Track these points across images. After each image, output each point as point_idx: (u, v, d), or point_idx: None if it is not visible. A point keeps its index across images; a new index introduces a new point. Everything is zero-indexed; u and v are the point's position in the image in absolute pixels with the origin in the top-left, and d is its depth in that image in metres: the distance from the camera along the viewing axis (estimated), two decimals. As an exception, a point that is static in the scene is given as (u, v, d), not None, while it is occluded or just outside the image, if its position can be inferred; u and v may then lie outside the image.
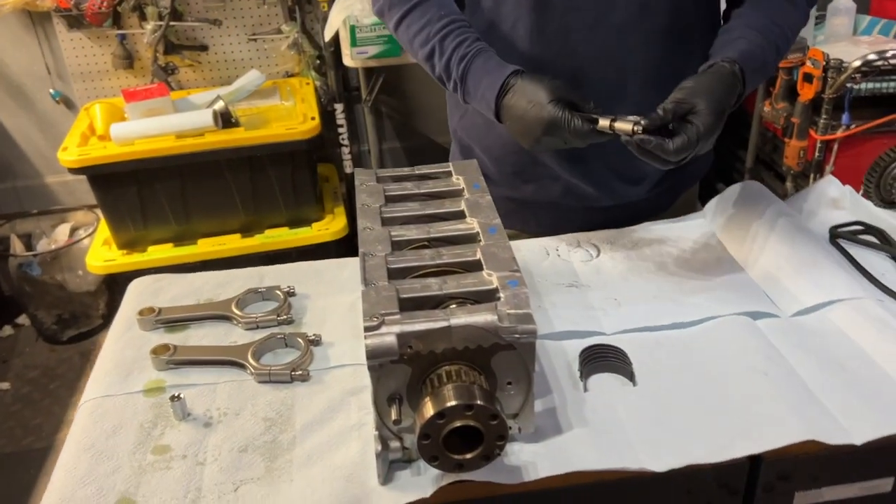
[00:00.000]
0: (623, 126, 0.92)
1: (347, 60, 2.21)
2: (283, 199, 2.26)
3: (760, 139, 2.46)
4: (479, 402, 0.68)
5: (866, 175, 1.17)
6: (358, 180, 0.97)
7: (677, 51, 1.07)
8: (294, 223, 2.30)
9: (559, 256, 1.12)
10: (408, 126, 2.71)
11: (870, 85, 2.04)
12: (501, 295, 0.74)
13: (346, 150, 2.57)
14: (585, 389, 0.86)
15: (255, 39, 2.49)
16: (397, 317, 0.71)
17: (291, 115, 2.24)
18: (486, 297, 0.75)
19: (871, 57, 1.98)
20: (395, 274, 0.79)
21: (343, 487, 0.74)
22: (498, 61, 1.01)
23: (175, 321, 1.01)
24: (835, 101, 2.04)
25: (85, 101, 2.48)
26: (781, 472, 0.78)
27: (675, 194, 1.26)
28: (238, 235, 2.28)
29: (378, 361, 0.70)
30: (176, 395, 0.85)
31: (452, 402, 0.67)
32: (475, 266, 0.80)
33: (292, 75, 2.53)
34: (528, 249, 1.14)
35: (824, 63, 2.00)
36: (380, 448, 0.73)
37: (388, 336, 0.69)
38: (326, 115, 2.53)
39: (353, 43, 2.15)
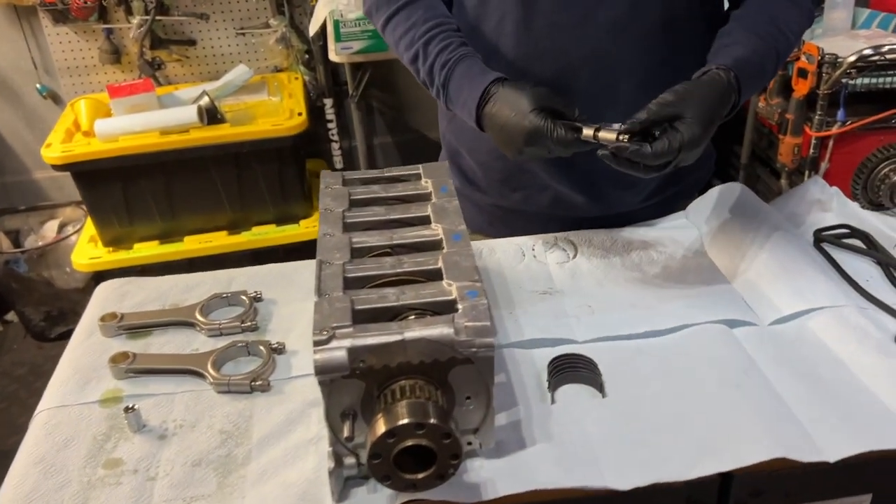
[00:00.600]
0: (607, 135, 0.88)
1: (333, 56, 2.17)
2: (269, 196, 2.23)
3: (756, 135, 2.42)
4: (431, 420, 0.65)
5: (854, 176, 1.13)
6: (323, 183, 0.94)
7: (673, 50, 1.03)
8: (281, 220, 2.27)
9: (535, 258, 1.09)
10: (399, 121, 2.67)
11: (866, 80, 1.99)
12: (460, 306, 0.71)
13: (335, 145, 2.54)
14: (553, 401, 0.83)
15: (243, 34, 2.46)
16: (349, 330, 0.68)
17: (278, 110, 2.21)
18: (444, 309, 0.72)
19: (867, 52, 1.94)
20: (352, 283, 0.76)
21: (296, 506, 0.72)
22: (481, 68, 0.98)
23: (138, 327, 0.99)
24: (830, 97, 2.00)
25: (72, 95, 2.45)
26: (753, 489, 0.75)
27: (672, 205, 1.19)
28: (225, 233, 2.25)
29: (328, 377, 0.67)
30: (130, 406, 0.82)
31: (404, 421, 0.64)
32: (436, 275, 0.77)
33: (281, 70, 2.50)
34: (504, 251, 1.11)
35: (819, 58, 1.96)
36: (333, 465, 0.70)
37: (338, 351, 0.67)
38: (316, 111, 2.50)
39: (338, 38, 2.12)
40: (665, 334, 0.92)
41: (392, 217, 0.88)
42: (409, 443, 0.65)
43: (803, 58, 2.01)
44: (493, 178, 1.15)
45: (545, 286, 1.03)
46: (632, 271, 1.04)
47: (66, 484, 0.76)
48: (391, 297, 0.73)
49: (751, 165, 2.46)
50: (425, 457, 0.67)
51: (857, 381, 0.83)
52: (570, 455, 0.75)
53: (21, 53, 2.45)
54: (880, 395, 0.81)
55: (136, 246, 2.23)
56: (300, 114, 2.17)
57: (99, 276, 2.35)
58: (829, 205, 1.16)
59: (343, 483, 0.72)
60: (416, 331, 0.68)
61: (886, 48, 1.96)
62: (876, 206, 1.14)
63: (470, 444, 0.74)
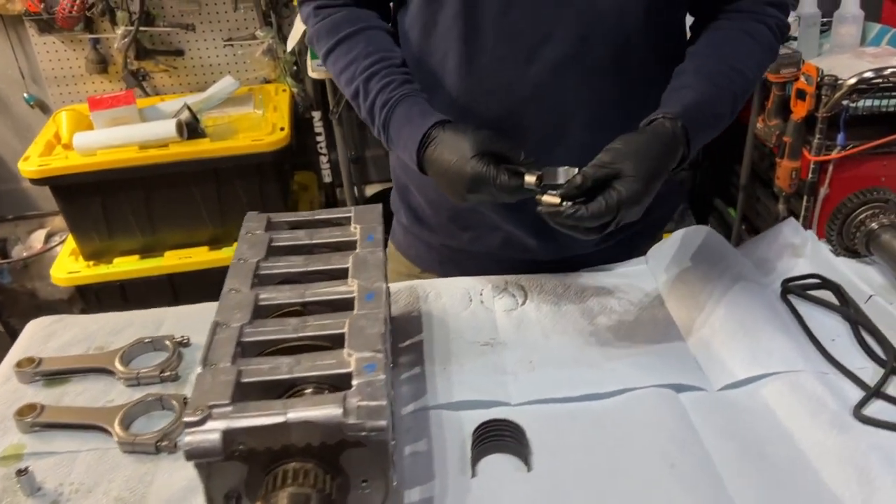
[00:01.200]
0: (549, 199, 0.84)
1: (311, 72, 2.12)
2: (251, 211, 2.18)
3: (757, 154, 2.33)
4: (309, 513, 0.59)
5: (828, 221, 1.06)
6: (244, 228, 0.88)
7: (625, 88, 0.96)
8: (264, 236, 2.22)
9: (482, 303, 1.03)
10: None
11: (868, 103, 1.90)
12: (355, 382, 0.65)
13: (324, 158, 2.49)
14: (473, 474, 0.77)
15: (231, 45, 2.41)
16: (227, 409, 0.62)
17: (260, 125, 2.16)
18: (340, 383, 0.67)
19: (868, 74, 1.85)
20: (249, 349, 0.71)
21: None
22: (422, 109, 0.92)
23: (55, 374, 0.94)
24: (829, 120, 1.92)
25: (60, 105, 2.43)
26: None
27: (632, 247, 1.12)
28: (206, 248, 2.21)
29: (203, 461, 0.62)
30: (22, 468, 0.77)
31: (280, 514, 0.59)
32: (340, 341, 0.71)
33: (269, 82, 2.45)
34: (451, 295, 1.04)
35: (818, 79, 1.87)
36: (214, 552, 0.65)
37: (212, 434, 0.61)
38: (304, 123, 2.46)
39: (313, 55, 2.07)
40: (605, 398, 0.85)
41: (310, 269, 0.82)
42: (286, 538, 0.59)
43: (802, 78, 1.93)
44: (441, 216, 1.09)
45: (488, 336, 0.96)
46: (581, 321, 0.98)
47: (-57, 556, 0.71)
48: (284, 368, 0.67)
49: (751, 186, 2.37)
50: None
51: (804, 459, 0.76)
52: (480, 541, 0.69)
53: (8, 62, 2.42)
54: (826, 478, 0.74)
55: (116, 260, 2.19)
56: (282, 128, 2.12)
57: (81, 290, 2.32)
58: (803, 250, 1.09)
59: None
60: (301, 411, 0.62)
61: (889, 70, 1.87)
62: (851, 252, 1.06)
63: (368, 529, 0.68)
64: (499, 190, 0.84)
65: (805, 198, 2.03)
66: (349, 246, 0.86)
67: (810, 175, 1.98)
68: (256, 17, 2.36)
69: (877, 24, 2.41)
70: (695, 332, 0.94)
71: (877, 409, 0.82)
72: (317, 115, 2.42)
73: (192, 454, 0.61)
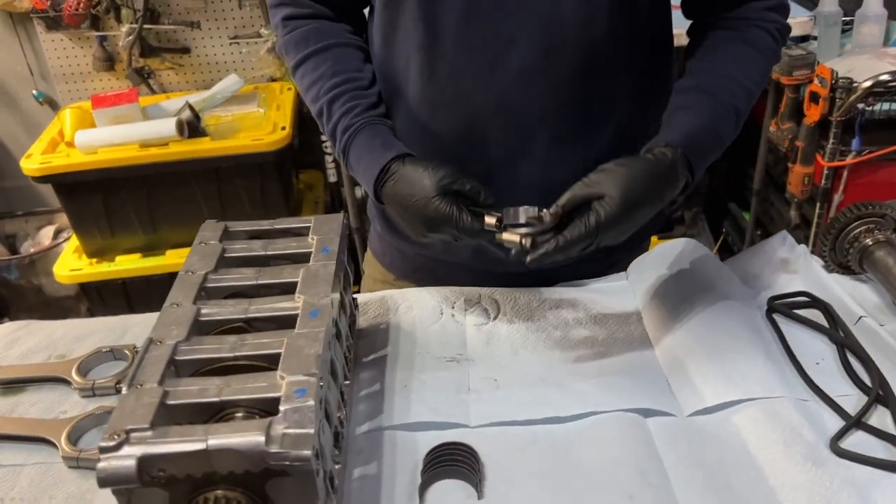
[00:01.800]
0: (510, 237, 0.80)
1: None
2: (251, 210, 2.17)
3: (772, 158, 2.25)
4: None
5: (821, 235, 1.00)
6: (198, 237, 0.86)
7: (592, 100, 0.91)
8: (265, 236, 2.21)
9: (453, 317, 0.99)
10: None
11: (885, 106, 1.83)
12: (283, 407, 0.62)
13: (329, 157, 2.46)
14: (421, 502, 0.73)
15: (237, 42, 2.40)
16: (147, 434, 0.60)
17: (261, 124, 2.14)
18: (270, 408, 0.63)
19: (885, 77, 1.77)
20: (184, 368, 0.68)
21: None
22: (383, 140, 0.89)
23: (11, 382, 0.92)
24: (844, 124, 1.84)
25: (69, 101, 2.43)
26: None
27: (611, 260, 1.07)
28: (207, 247, 2.20)
29: (120, 487, 0.59)
30: (-40, 484, 0.75)
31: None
32: (276, 362, 0.68)
33: (275, 80, 2.43)
34: (422, 307, 1.01)
35: (832, 82, 1.80)
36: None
37: (127, 460, 0.58)
38: (310, 122, 2.43)
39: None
40: (568, 421, 0.81)
41: (260, 282, 0.79)
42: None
43: (816, 81, 1.86)
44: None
45: (455, 352, 0.93)
46: (553, 338, 0.94)
47: None
48: (212, 390, 0.64)
49: (764, 191, 2.30)
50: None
51: (772, 494, 0.71)
52: (419, 574, 0.66)
53: (17, 59, 2.44)
54: (795, 518, 0.69)
55: (118, 259, 2.19)
56: (283, 128, 2.10)
57: (84, 287, 2.33)
58: (795, 265, 1.03)
59: None
60: (222, 438, 0.59)
61: (907, 73, 1.79)
62: (844, 268, 1.00)
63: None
64: (460, 232, 0.82)
65: (818, 204, 1.96)
66: (305, 258, 0.83)
67: (824, 181, 1.91)
68: (262, 15, 2.34)
69: (901, 23, 2.33)
70: (669, 353, 0.89)
71: (856, 440, 0.77)
72: (322, 113, 2.39)
73: (105, 481, 0.58)
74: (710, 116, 0.86)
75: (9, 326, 1.04)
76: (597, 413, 0.81)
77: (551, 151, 0.85)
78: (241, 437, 0.59)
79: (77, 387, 0.90)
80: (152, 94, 2.42)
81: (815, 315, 0.95)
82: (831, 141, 1.86)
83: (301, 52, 0.95)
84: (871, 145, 1.86)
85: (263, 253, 0.84)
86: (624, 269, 1.06)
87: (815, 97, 1.85)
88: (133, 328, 1.01)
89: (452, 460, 0.76)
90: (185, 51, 2.41)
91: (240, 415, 0.65)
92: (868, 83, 1.77)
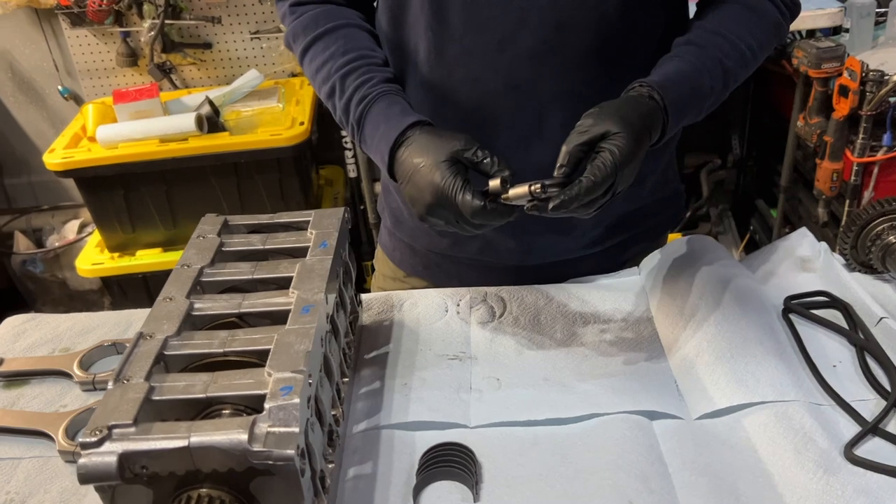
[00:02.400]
0: (517, 190, 0.75)
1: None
2: (271, 205, 2.16)
3: (801, 154, 2.19)
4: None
5: (842, 232, 0.96)
6: (197, 231, 0.85)
7: (607, 79, 0.88)
8: (284, 231, 2.21)
9: (458, 314, 0.97)
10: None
11: (918, 100, 1.76)
12: (268, 405, 0.60)
13: (349, 153, 2.45)
14: None
15: (258, 37, 2.40)
16: (130, 430, 0.59)
17: (280, 119, 2.14)
18: (256, 405, 0.62)
19: (918, 69, 1.71)
20: (173, 363, 0.67)
21: None
22: (402, 108, 0.85)
23: (15, 375, 0.92)
24: (874, 119, 1.78)
25: (93, 97, 2.45)
26: None
27: (622, 254, 1.04)
28: (226, 242, 2.20)
29: (102, 484, 0.58)
30: (-44, 477, 0.75)
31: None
32: (265, 358, 0.66)
33: (295, 75, 2.43)
34: (427, 304, 0.99)
35: (862, 74, 1.74)
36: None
37: (108, 456, 0.57)
38: (331, 117, 2.42)
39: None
40: (571, 423, 0.79)
41: (256, 277, 0.78)
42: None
43: (845, 74, 1.80)
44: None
45: (458, 350, 0.91)
46: (559, 337, 0.91)
47: None
48: (199, 386, 0.63)
49: (792, 187, 2.24)
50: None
51: (781, 502, 0.68)
52: (409, 579, 0.64)
53: (43, 55, 2.47)
54: (803, 528, 0.66)
55: (139, 253, 2.21)
56: (302, 123, 2.10)
57: (105, 281, 2.35)
58: (814, 264, 1.00)
59: None
60: (204, 436, 0.58)
61: (941, 65, 1.72)
62: (866, 267, 0.96)
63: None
64: (460, 207, 0.77)
65: (847, 202, 1.90)
66: (303, 253, 0.81)
67: (853, 178, 1.85)
68: (282, 10, 2.34)
69: (938, 15, 2.25)
70: (679, 353, 0.86)
71: (872, 447, 0.73)
72: (342, 109, 2.38)
73: (85, 478, 0.57)
74: (693, 64, 0.83)
75: (15, 319, 1.05)
76: (600, 415, 0.79)
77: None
78: (224, 434, 0.58)
79: (79, 380, 0.90)
80: (174, 90, 2.43)
81: (833, 315, 0.91)
82: (861, 136, 1.80)
83: (310, 33, 0.93)
84: (903, 141, 1.79)
85: (262, 247, 0.82)
86: (636, 265, 1.03)
87: (844, 91, 1.79)
88: (138, 322, 1.00)
89: (449, 461, 0.74)
90: (207, 46, 2.41)
91: (227, 412, 0.64)
92: (900, 76, 1.71)
